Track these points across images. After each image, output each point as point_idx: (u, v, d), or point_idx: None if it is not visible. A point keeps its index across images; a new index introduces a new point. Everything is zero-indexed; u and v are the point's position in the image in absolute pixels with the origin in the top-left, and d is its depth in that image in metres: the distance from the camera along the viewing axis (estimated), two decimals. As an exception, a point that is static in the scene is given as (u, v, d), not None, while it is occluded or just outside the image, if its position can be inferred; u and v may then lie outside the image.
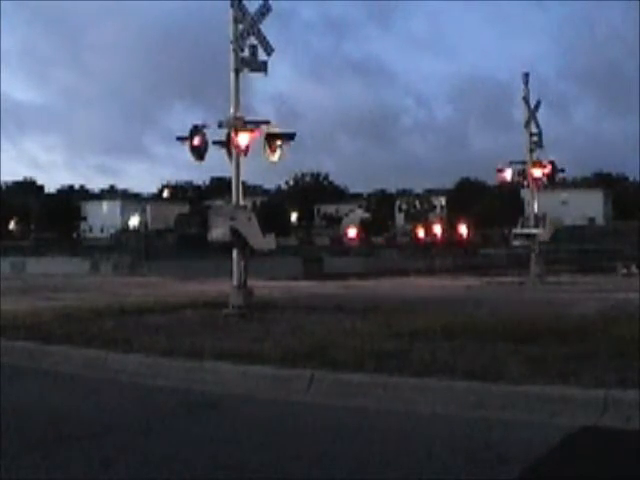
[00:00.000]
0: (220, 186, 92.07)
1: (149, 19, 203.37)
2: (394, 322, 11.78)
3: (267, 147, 15.49)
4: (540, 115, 27.61)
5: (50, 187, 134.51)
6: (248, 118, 15.20)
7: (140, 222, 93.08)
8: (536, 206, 27.81)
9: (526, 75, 27.27)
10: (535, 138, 27.14)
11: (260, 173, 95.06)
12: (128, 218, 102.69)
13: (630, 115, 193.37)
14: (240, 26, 15.26)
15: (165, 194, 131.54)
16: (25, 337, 11.32)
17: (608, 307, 14.27)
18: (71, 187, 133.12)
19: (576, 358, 8.31)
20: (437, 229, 54.51)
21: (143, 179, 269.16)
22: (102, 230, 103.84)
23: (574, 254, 46.69)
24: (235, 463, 5.62)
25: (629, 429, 6.39)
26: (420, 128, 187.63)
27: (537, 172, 27.14)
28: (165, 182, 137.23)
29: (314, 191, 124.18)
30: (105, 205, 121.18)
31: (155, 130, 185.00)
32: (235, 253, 15.20)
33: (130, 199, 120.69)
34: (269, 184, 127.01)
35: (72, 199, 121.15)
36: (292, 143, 15.91)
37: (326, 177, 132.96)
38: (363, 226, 77.46)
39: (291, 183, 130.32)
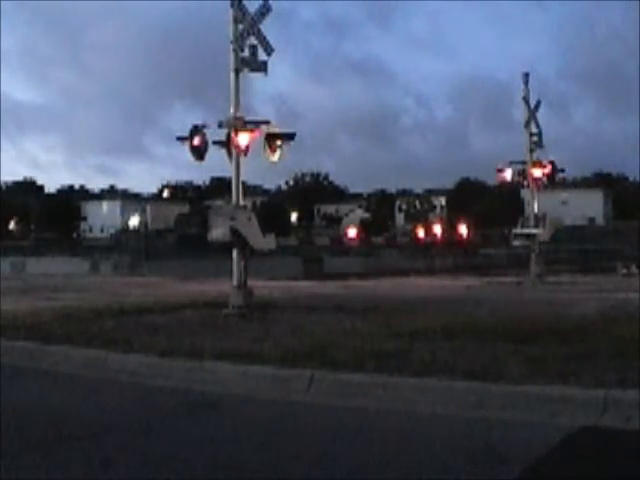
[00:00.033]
0: (220, 186, 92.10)
1: (149, 19, 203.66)
2: (394, 322, 11.78)
3: (267, 147, 15.49)
4: (540, 115, 27.65)
5: (50, 187, 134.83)
6: (248, 118, 15.20)
7: (140, 222, 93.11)
8: (536, 206, 27.81)
9: (526, 75, 27.28)
10: (535, 138, 27.14)
11: (260, 173, 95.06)
12: (128, 218, 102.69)
13: (630, 115, 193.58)
14: (240, 26, 15.26)
15: (165, 194, 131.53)
16: (25, 337, 11.32)
17: (608, 307, 14.26)
18: (71, 187, 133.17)
19: (576, 358, 8.31)
20: (437, 229, 54.43)
21: (143, 179, 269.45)
22: (102, 230, 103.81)
23: (574, 254, 46.67)
24: (235, 463, 5.62)
25: (629, 429, 6.39)
26: (420, 128, 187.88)
27: (537, 172, 27.14)
28: (165, 182, 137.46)
29: (314, 191, 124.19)
30: (105, 205, 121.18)
31: (155, 130, 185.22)
32: (235, 253, 15.20)
33: (130, 199, 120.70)
34: (269, 184, 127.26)
35: (72, 199, 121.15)
36: (292, 143, 15.92)
37: (326, 177, 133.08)
38: (363, 226, 77.33)
39: (291, 183, 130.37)
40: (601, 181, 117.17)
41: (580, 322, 11.26)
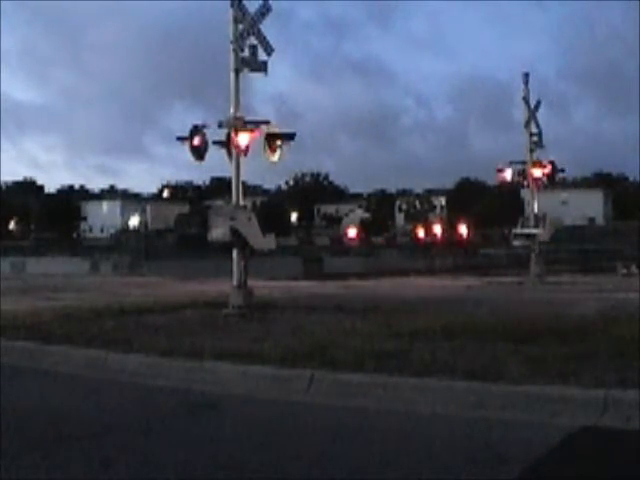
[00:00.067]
0: (220, 186, 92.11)
1: (149, 19, 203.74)
2: (394, 322, 11.77)
3: (267, 147, 15.49)
4: (540, 115, 27.63)
5: (50, 187, 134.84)
6: (248, 118, 15.20)
7: (140, 222, 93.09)
8: (536, 206, 27.80)
9: (526, 75, 27.27)
10: (535, 138, 27.13)
11: (260, 173, 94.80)
12: (128, 218, 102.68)
13: (630, 115, 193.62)
14: (240, 26, 15.26)
15: (165, 194, 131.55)
16: (25, 337, 11.32)
17: (608, 307, 14.25)
18: (71, 187, 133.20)
19: (576, 358, 8.31)
20: (437, 229, 54.45)
21: (143, 179, 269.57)
22: (102, 230, 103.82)
23: (574, 254, 46.66)
24: (235, 463, 5.62)
25: (629, 429, 6.39)
26: (420, 128, 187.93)
27: (537, 172, 27.13)
28: (165, 182, 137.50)
29: (314, 191, 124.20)
30: (105, 205, 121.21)
31: (155, 130, 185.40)
32: (235, 253, 15.20)
33: (130, 199, 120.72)
34: (269, 184, 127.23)
35: (72, 199, 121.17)
36: (292, 143, 15.91)
37: (326, 177, 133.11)
38: (363, 226, 77.29)
39: (291, 183, 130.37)
40: (601, 181, 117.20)
41: (580, 322, 11.26)
